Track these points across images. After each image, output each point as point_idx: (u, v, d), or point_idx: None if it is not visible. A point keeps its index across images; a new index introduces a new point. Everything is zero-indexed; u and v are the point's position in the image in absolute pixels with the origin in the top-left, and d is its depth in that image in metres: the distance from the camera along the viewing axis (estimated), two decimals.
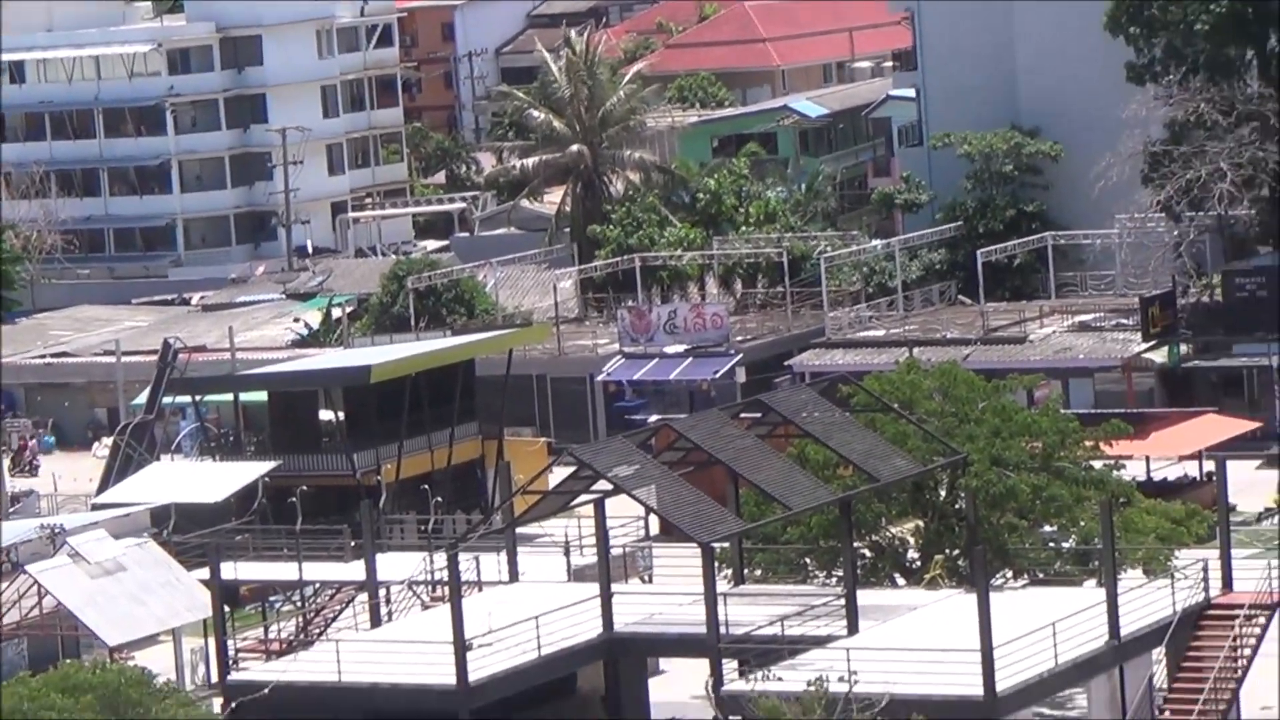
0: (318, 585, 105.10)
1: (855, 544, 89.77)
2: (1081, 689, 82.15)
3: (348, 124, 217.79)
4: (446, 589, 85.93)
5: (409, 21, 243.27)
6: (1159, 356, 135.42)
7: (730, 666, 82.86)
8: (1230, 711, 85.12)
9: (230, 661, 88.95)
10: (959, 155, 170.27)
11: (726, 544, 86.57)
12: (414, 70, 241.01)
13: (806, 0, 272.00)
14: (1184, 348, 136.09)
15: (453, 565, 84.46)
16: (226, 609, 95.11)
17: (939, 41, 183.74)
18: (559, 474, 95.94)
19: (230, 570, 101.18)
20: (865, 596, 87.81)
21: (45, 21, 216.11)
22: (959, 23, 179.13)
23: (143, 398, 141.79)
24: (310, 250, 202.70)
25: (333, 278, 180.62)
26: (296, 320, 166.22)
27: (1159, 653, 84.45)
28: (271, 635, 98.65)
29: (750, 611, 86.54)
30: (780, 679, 77.33)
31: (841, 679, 73.01)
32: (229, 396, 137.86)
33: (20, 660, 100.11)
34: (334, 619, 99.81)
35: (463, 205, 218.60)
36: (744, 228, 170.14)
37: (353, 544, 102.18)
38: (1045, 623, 79.49)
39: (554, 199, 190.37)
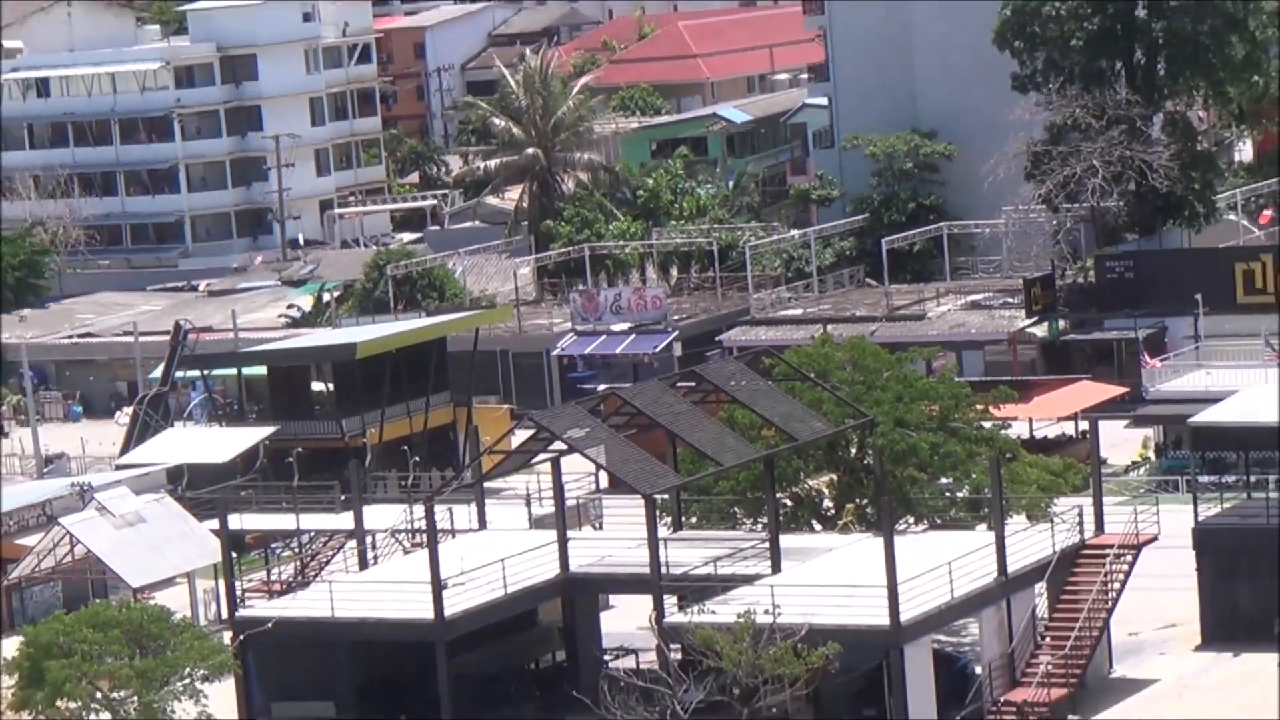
0: (312, 534, 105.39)
1: (778, 495, 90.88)
2: (974, 619, 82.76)
3: (333, 131, 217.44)
4: (424, 536, 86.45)
5: (385, 41, 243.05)
6: (1040, 331, 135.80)
7: (671, 601, 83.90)
8: (1101, 637, 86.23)
9: (238, 600, 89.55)
10: (866, 155, 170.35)
11: (666, 495, 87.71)
12: (390, 84, 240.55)
13: (732, 20, 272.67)
14: (1062, 323, 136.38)
15: (429, 515, 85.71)
16: (233, 555, 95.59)
17: (848, 56, 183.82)
18: (520, 436, 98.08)
19: (236, 521, 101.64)
20: (787, 540, 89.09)
21: (67, 42, 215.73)
22: (865, 39, 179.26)
23: (158, 372, 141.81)
24: (301, 242, 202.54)
25: (321, 266, 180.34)
26: (290, 306, 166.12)
27: (1040, 587, 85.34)
28: (273, 577, 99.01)
29: (687, 554, 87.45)
30: (714, 612, 78.64)
31: (766, 612, 74.31)
32: (233, 370, 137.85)
33: (56, 600, 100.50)
34: (327, 563, 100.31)
35: (434, 202, 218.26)
36: (678, 221, 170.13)
37: (342, 498, 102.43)
38: (942, 562, 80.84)
39: (513, 196, 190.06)
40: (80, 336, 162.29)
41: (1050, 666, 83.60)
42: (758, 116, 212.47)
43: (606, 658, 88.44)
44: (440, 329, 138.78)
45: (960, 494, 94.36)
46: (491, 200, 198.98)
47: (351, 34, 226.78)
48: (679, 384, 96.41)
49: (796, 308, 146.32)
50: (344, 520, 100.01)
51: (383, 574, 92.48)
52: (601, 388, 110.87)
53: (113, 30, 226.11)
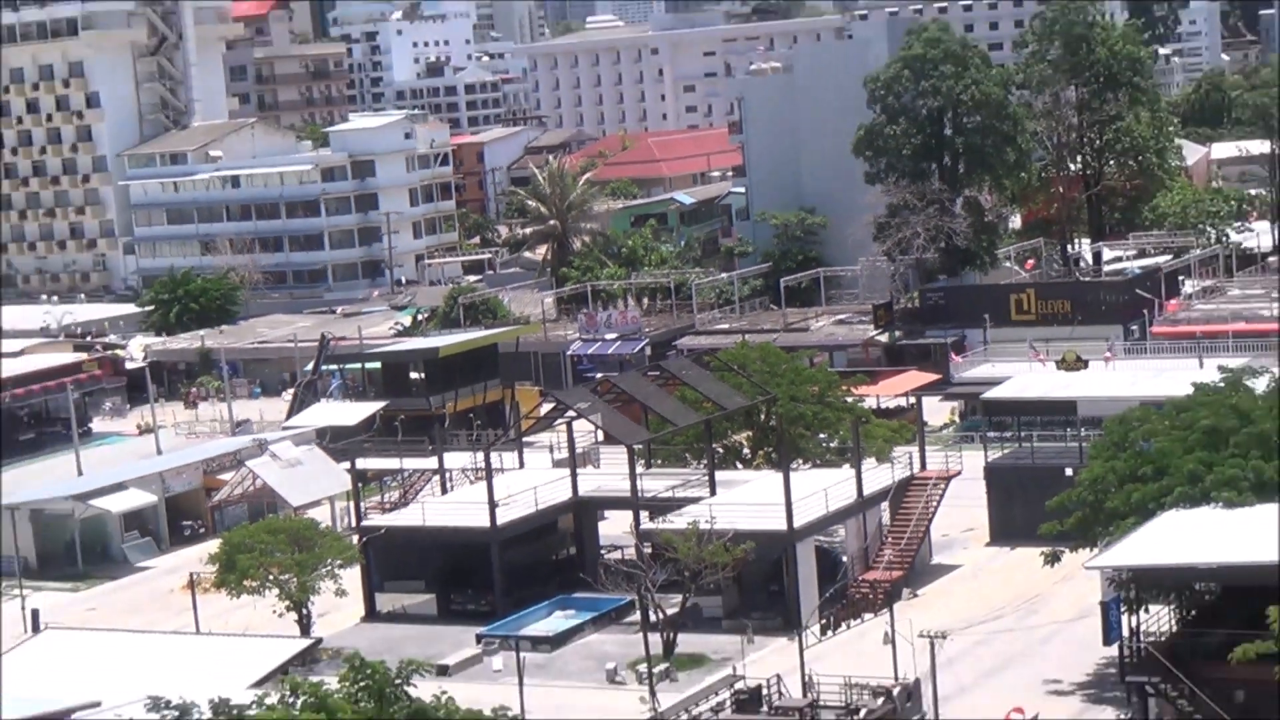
0: (410, 471, 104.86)
1: (714, 445, 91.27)
2: (841, 526, 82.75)
3: (423, 210, 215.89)
4: (483, 473, 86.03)
5: (457, 152, 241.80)
6: (883, 338, 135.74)
7: (644, 515, 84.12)
8: (924, 538, 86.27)
9: (362, 515, 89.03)
10: (770, 225, 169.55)
11: (640, 445, 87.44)
12: (460, 179, 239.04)
13: (682, 137, 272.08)
14: (897, 333, 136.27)
15: (486, 459, 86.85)
16: (359, 485, 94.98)
17: (757, 160, 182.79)
18: (546, 407, 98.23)
19: (361, 463, 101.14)
20: (720, 475, 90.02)
21: (250, 151, 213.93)
22: (768, 149, 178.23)
23: (309, 366, 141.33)
24: (403, 282, 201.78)
25: (416, 297, 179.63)
26: (396, 324, 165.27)
27: (885, 505, 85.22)
28: (384, 499, 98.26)
29: (655, 483, 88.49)
30: (672, 521, 78.68)
31: (706, 521, 74.21)
32: (358, 365, 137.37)
33: (243, 515, 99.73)
34: (419, 491, 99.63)
35: (489, 255, 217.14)
36: (648, 267, 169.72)
37: (429, 447, 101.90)
38: (820, 488, 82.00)
39: (541, 252, 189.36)
40: (260, 343, 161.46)
41: (891, 556, 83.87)
42: (700, 200, 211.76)
43: (603, 552, 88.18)
44: (493, 338, 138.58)
45: (832, 444, 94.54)
46: (527, 254, 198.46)
47: (436, 147, 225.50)
48: (649, 373, 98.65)
49: (725, 324, 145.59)
50: (430, 462, 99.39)
51: (456, 498, 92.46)
52: (598, 376, 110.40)
53: (281, 144, 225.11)
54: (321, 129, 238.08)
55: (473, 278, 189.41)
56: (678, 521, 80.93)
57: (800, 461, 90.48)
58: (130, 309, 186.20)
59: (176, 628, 78.21)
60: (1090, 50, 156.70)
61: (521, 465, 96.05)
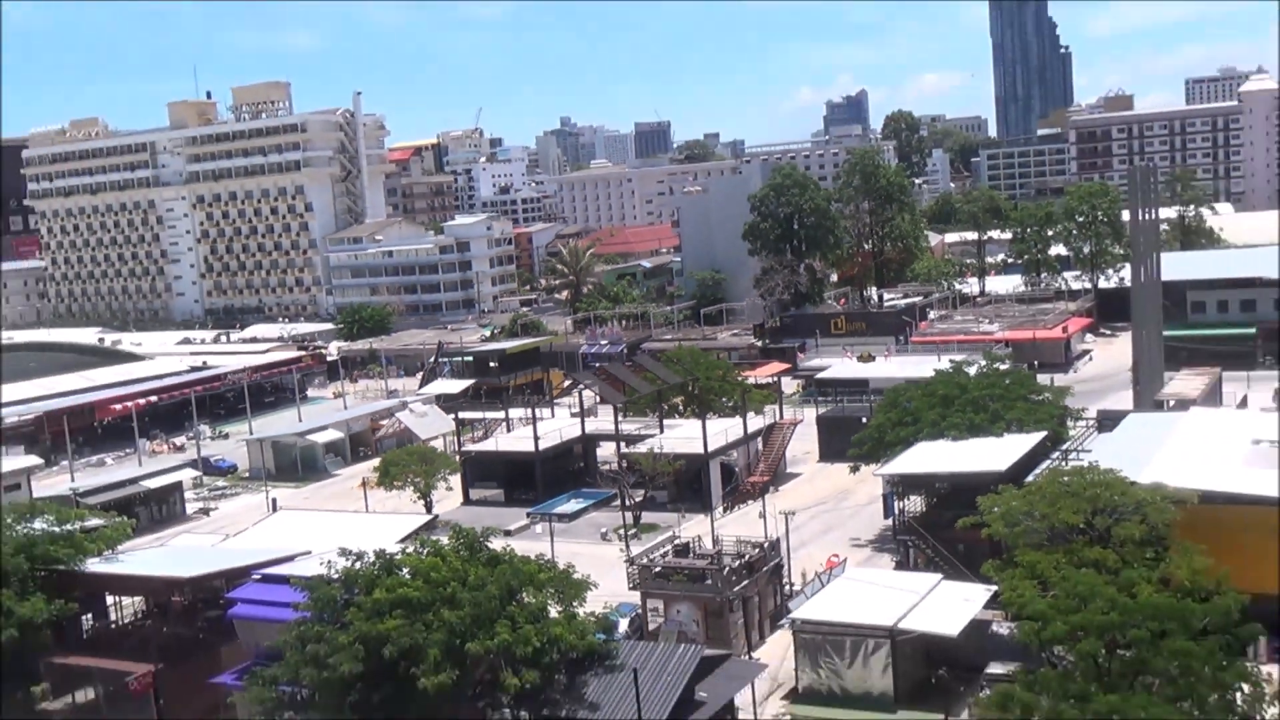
0: (489, 418, 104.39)
1: (662, 404, 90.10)
2: (735, 451, 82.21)
3: (497, 270, 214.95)
4: (530, 420, 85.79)
5: (517, 237, 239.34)
6: (759, 344, 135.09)
7: (624, 445, 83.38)
8: (781, 457, 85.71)
9: (460, 445, 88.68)
10: (695, 279, 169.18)
11: (620, 404, 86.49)
12: (518, 253, 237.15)
13: (646, 226, 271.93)
14: (767, 341, 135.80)
15: (533, 413, 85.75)
16: (459, 426, 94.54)
17: (688, 242, 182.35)
18: (567, 383, 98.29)
19: (462, 414, 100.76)
20: (667, 422, 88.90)
21: (399, 237, 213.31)
22: (694, 236, 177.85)
23: (431, 359, 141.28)
24: (485, 310, 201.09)
25: (493, 320, 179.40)
26: (481, 336, 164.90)
27: (760, 439, 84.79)
28: (475, 435, 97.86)
29: (629, 426, 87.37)
30: (638, 448, 78.24)
31: (658, 447, 73.94)
32: (459, 358, 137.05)
33: (393, 444, 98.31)
34: (495, 430, 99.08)
35: (535, 296, 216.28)
36: (626, 303, 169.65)
37: (499, 404, 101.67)
38: (722, 429, 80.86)
39: (565, 295, 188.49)
40: (403, 346, 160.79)
41: (763, 469, 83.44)
42: (654, 264, 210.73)
43: (600, 465, 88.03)
44: (537, 344, 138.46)
45: (729, 404, 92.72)
46: (556, 295, 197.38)
47: (504, 235, 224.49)
48: (625, 363, 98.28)
49: (668, 336, 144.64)
50: (500, 414, 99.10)
51: (516, 434, 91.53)
52: (597, 365, 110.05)
53: (415, 233, 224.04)
54: (440, 224, 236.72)
55: (525, 309, 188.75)
56: (642, 448, 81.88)
57: (711, 414, 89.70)
58: (329, 326, 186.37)
59: (355, 509, 78.16)
60: (875, 180, 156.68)
61: (553, 415, 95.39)
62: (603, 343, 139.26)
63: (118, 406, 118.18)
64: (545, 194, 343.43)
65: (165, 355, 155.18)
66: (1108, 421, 73.28)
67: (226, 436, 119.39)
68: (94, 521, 57.06)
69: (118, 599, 58.21)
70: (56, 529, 53.57)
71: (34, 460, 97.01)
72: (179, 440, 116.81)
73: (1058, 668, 36.68)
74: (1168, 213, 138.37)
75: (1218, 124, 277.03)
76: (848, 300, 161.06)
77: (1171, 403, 78.56)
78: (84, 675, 52.28)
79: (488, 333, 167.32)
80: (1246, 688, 35.18)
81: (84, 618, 55.59)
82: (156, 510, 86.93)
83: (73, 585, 52.04)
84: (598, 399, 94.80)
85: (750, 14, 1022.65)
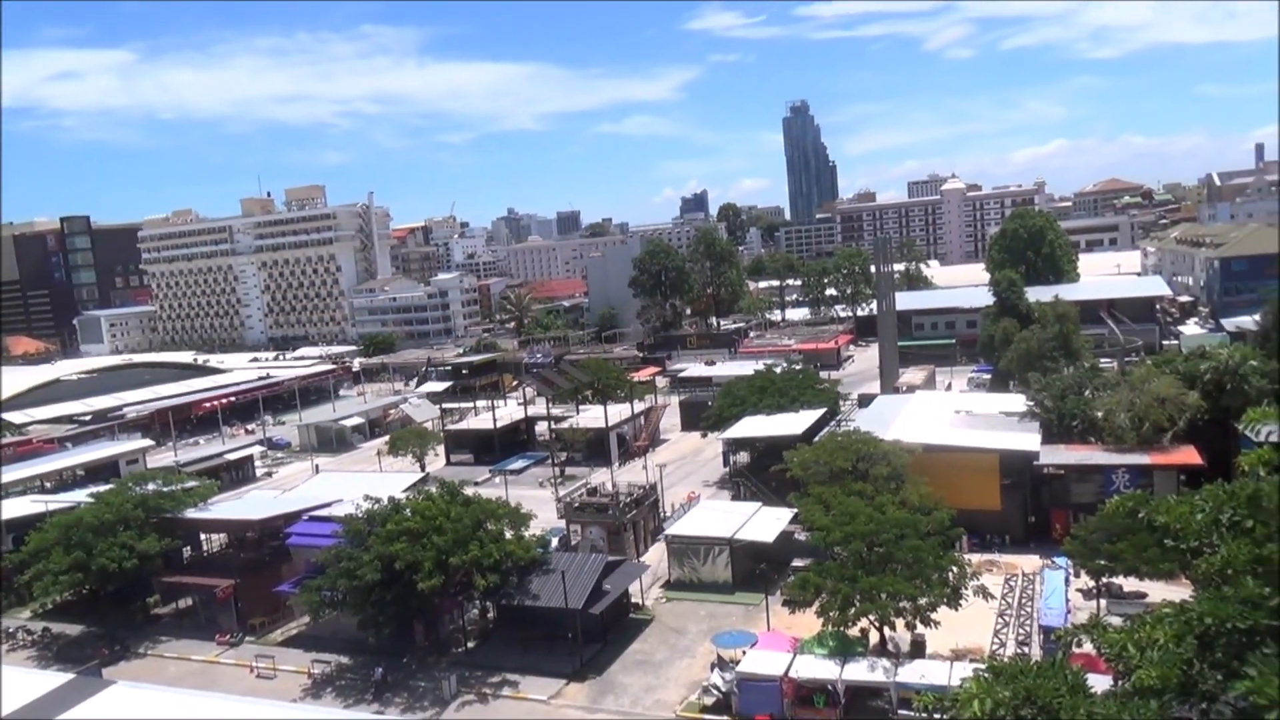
0: (463, 407, 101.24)
1: (577, 395, 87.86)
2: (628, 425, 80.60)
3: (467, 309, 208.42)
4: (491, 407, 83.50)
5: (480, 287, 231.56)
6: (641, 354, 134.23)
7: (554, 423, 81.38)
8: (659, 427, 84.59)
9: (444, 425, 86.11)
10: (598, 314, 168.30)
11: (551, 395, 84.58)
12: (480, 297, 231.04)
13: (563, 279, 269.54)
14: (645, 353, 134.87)
15: (491, 404, 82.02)
16: (444, 413, 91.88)
17: (593, 287, 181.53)
18: (514, 383, 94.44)
19: (446, 405, 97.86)
20: (582, 408, 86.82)
21: (400, 288, 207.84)
22: (596, 285, 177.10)
23: (423, 369, 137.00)
24: (459, 335, 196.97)
25: (464, 342, 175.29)
26: (457, 353, 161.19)
27: (643, 417, 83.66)
28: (454, 419, 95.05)
29: (558, 410, 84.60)
30: (563, 423, 76.41)
31: (575, 424, 72.15)
32: (442, 367, 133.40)
33: (399, 425, 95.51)
34: (466, 415, 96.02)
35: (493, 326, 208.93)
36: (553, 330, 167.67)
37: (470, 399, 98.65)
38: (617, 411, 78.68)
39: (512, 325, 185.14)
40: (403, 360, 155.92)
41: (644, 437, 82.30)
42: (571, 305, 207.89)
43: (537, 437, 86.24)
44: (494, 357, 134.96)
45: (622, 394, 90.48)
46: (508, 325, 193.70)
47: (471, 286, 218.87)
48: (554, 369, 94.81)
49: (582, 350, 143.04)
50: (470, 404, 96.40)
51: (480, 418, 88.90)
52: (535, 370, 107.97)
53: (411, 285, 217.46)
54: (428, 279, 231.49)
55: (486, 334, 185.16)
56: (565, 425, 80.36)
57: (610, 401, 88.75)
58: (354, 348, 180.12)
59: (373, 470, 75.99)
60: (714, 248, 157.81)
61: (506, 404, 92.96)
62: (538, 356, 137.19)
63: (207, 404, 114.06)
64: (498, 259, 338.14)
65: (240, 369, 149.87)
66: (864, 401, 74.65)
67: (283, 423, 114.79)
68: (191, 484, 56.11)
69: (208, 536, 56.54)
70: (164, 489, 52.93)
71: (149, 442, 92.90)
72: (251, 426, 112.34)
73: (836, 560, 37.08)
74: (899, 267, 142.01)
75: (928, 210, 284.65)
76: (697, 326, 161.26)
77: (904, 388, 79.77)
78: (185, 589, 50.95)
79: (461, 350, 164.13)
80: (955, 569, 36.06)
81: (184, 550, 54.05)
82: (235, 474, 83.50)
83: (176, 527, 51.38)
84: (536, 393, 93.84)
85: (633, 141, 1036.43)
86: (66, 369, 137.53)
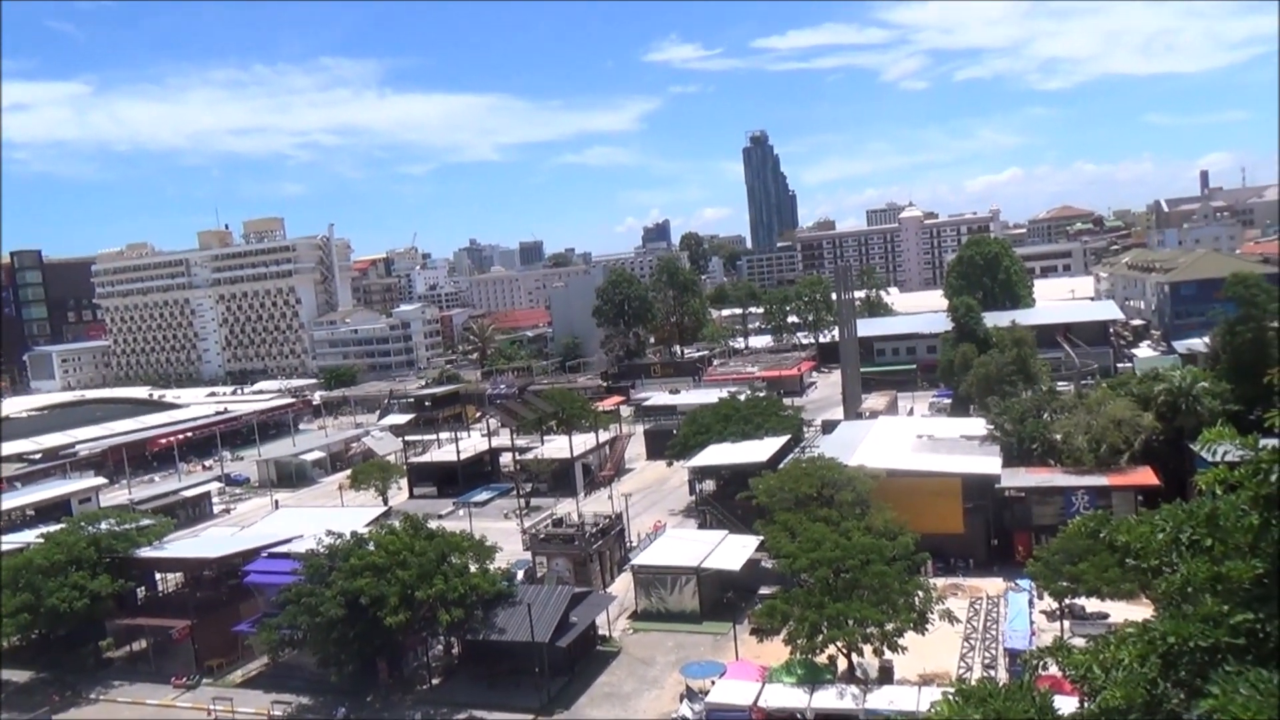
0: (425, 439, 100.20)
1: (542, 426, 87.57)
2: (593, 454, 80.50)
3: (429, 340, 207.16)
4: (454, 440, 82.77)
5: (442, 319, 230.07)
6: (605, 384, 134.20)
7: (518, 454, 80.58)
8: (622, 459, 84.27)
9: (407, 458, 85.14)
10: (562, 343, 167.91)
11: (514, 426, 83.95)
12: (443, 328, 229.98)
13: (527, 310, 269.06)
14: (609, 382, 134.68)
15: (455, 436, 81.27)
16: (406, 446, 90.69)
17: (557, 319, 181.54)
18: (477, 414, 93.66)
19: (409, 437, 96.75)
20: (547, 438, 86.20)
21: (361, 320, 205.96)
22: (560, 315, 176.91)
23: (386, 401, 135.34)
24: (421, 367, 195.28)
25: (426, 374, 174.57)
26: (420, 384, 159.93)
27: (608, 446, 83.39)
28: (416, 451, 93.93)
29: (522, 441, 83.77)
30: (528, 454, 75.63)
31: (539, 455, 71.56)
32: (404, 399, 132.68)
33: (359, 459, 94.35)
34: (429, 448, 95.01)
35: (456, 357, 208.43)
36: (516, 361, 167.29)
37: (433, 431, 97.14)
38: (583, 441, 78.27)
39: (475, 355, 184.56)
40: (365, 393, 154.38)
41: (610, 467, 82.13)
42: (534, 335, 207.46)
43: (502, 468, 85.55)
44: (457, 389, 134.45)
45: (587, 424, 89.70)
46: (471, 355, 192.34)
47: (434, 318, 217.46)
48: (517, 400, 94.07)
49: (546, 380, 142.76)
50: (433, 436, 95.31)
51: (444, 451, 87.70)
52: (499, 401, 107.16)
53: (372, 317, 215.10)
54: (389, 311, 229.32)
55: (448, 366, 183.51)
56: (529, 455, 79.78)
57: (574, 431, 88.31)
58: (314, 381, 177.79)
59: (335, 505, 74.75)
60: (676, 277, 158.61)
61: (469, 436, 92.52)
62: (502, 387, 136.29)
63: (163, 440, 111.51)
64: (460, 289, 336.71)
65: (197, 404, 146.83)
66: (828, 427, 75.02)
67: (242, 459, 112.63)
68: (146, 521, 54.73)
69: (164, 575, 55.27)
70: (118, 528, 51.64)
71: (102, 480, 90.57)
72: (208, 462, 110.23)
73: (803, 587, 37.03)
74: (859, 294, 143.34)
75: (887, 238, 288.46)
76: (661, 354, 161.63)
77: (867, 414, 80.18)
78: (139, 631, 49.59)
79: (423, 382, 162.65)
80: (921, 594, 36.20)
81: (138, 590, 52.70)
82: (191, 511, 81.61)
83: (130, 567, 50.04)
84: (500, 424, 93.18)
85: (595, 171, 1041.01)
86: (16, 406, 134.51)
